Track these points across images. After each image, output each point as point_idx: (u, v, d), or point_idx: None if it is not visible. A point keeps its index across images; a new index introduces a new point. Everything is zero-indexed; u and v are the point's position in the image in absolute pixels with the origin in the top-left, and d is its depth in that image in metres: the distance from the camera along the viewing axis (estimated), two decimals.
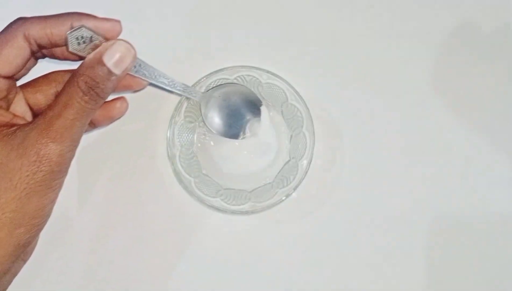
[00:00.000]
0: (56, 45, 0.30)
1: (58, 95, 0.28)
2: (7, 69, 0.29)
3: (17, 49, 0.30)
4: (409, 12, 0.42)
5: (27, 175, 0.26)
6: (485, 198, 0.39)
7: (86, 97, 0.28)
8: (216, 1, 0.42)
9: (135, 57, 0.30)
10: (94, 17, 0.30)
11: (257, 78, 0.37)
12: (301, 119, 0.37)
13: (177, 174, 0.36)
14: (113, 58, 0.28)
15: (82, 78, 0.27)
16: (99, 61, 0.28)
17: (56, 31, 0.29)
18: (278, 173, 0.38)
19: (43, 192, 0.27)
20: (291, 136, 0.38)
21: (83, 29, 0.29)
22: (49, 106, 0.27)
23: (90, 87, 0.28)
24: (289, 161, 0.38)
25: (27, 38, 0.30)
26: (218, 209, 0.36)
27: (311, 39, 0.41)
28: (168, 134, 0.36)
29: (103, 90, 0.28)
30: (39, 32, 0.29)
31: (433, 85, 0.41)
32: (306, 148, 0.36)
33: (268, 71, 0.36)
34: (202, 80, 0.36)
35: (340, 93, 0.40)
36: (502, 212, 0.39)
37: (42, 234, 0.35)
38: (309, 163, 0.36)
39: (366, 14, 0.42)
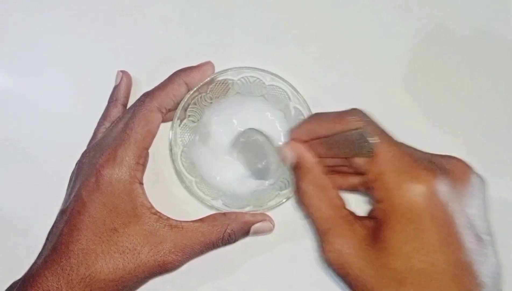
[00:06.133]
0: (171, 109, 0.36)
1: (206, 220, 0.35)
2: (150, 143, 0.35)
3: (157, 123, 0.35)
4: (411, 12, 0.42)
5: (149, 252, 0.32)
6: None
7: (221, 244, 0.34)
8: (220, 1, 0.42)
9: (270, 232, 0.37)
10: (191, 69, 0.36)
11: (261, 80, 0.37)
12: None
13: (178, 173, 0.36)
14: (256, 230, 0.36)
15: (229, 229, 0.34)
16: (247, 228, 0.35)
17: (177, 93, 0.35)
18: (279, 175, 0.38)
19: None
20: None
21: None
22: (198, 225, 0.34)
23: (229, 239, 0.34)
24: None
25: (160, 110, 0.35)
26: (218, 210, 0.36)
27: (315, 41, 0.42)
28: (171, 134, 0.36)
29: (234, 241, 0.35)
30: (166, 100, 0.35)
31: (437, 85, 0.41)
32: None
33: (272, 73, 0.36)
34: (206, 81, 0.36)
35: (343, 95, 0.40)
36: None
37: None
38: None
39: (369, 15, 0.42)
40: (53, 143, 0.40)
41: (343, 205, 0.29)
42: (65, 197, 0.35)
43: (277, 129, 0.38)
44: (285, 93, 0.37)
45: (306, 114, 0.36)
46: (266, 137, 0.35)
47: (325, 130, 0.29)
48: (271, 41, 0.42)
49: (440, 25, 0.42)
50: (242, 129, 0.37)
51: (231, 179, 0.38)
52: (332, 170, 0.31)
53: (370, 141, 0.26)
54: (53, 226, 0.34)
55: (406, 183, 0.25)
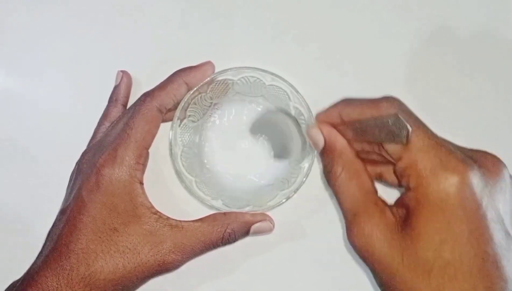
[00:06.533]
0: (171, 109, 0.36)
1: (206, 220, 0.34)
2: (151, 142, 0.35)
3: (157, 122, 0.35)
4: (411, 12, 0.42)
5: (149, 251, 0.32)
6: None
7: (221, 243, 0.34)
8: (220, 1, 0.42)
9: (270, 232, 0.37)
10: (191, 69, 0.36)
11: (261, 80, 0.37)
12: (303, 122, 0.37)
13: (178, 173, 0.36)
14: (256, 230, 0.35)
15: (229, 229, 0.34)
16: (247, 228, 0.35)
17: (178, 93, 0.35)
18: (279, 175, 0.38)
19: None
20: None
21: None
22: (198, 225, 0.34)
23: (229, 239, 0.34)
24: (290, 163, 0.38)
25: (160, 109, 0.35)
26: (218, 210, 0.36)
27: (315, 41, 0.42)
28: (171, 134, 0.36)
29: (234, 240, 0.35)
30: (166, 100, 0.35)
31: (437, 85, 0.41)
32: (307, 151, 0.36)
33: (272, 73, 0.36)
34: (206, 81, 0.36)
35: (343, 95, 0.40)
36: None
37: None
38: (311, 165, 0.36)
39: (369, 15, 0.42)
40: (53, 143, 0.40)
41: (374, 191, 0.29)
42: (65, 197, 0.35)
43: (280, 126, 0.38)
44: (285, 93, 0.37)
45: (306, 114, 0.36)
46: (291, 116, 0.35)
47: (356, 113, 0.29)
48: (271, 41, 0.42)
49: (440, 25, 0.42)
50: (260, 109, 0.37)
51: (232, 176, 0.38)
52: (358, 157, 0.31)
53: (406, 128, 0.25)
54: (53, 226, 0.34)
55: (441, 173, 0.25)
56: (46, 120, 0.41)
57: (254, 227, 0.35)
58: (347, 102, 0.30)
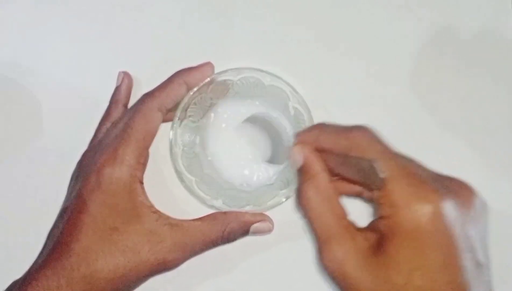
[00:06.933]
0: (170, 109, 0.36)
1: (206, 219, 0.35)
2: (151, 142, 0.35)
3: (157, 122, 0.35)
4: (411, 12, 0.42)
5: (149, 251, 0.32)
6: None
7: (220, 242, 0.34)
8: (220, 1, 0.42)
9: (270, 232, 0.37)
10: (190, 70, 0.36)
11: (261, 80, 0.37)
12: (303, 122, 0.37)
13: (178, 173, 0.36)
14: (255, 230, 0.36)
15: (228, 228, 0.34)
16: (247, 228, 0.35)
17: (178, 93, 0.35)
18: (279, 175, 0.38)
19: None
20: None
21: None
22: (198, 224, 0.34)
23: (228, 238, 0.35)
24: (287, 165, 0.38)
25: (160, 109, 0.35)
26: (218, 209, 0.36)
27: (315, 41, 0.42)
28: (171, 134, 0.36)
29: (233, 239, 0.35)
30: (167, 100, 0.35)
31: (438, 85, 0.41)
32: None
33: (271, 73, 0.36)
34: (206, 81, 0.36)
35: (343, 96, 0.40)
36: None
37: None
38: None
39: (369, 15, 0.42)
40: (54, 143, 0.40)
41: (345, 215, 0.29)
42: (66, 196, 0.36)
43: (277, 129, 0.38)
44: (284, 94, 0.37)
45: (305, 114, 0.36)
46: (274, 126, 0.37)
47: (330, 142, 0.30)
48: (271, 41, 0.42)
49: (440, 25, 0.42)
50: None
51: (232, 176, 0.38)
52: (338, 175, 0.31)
53: (381, 175, 0.26)
54: (53, 225, 0.34)
55: (414, 203, 0.25)
56: (46, 121, 0.41)
57: (253, 227, 0.35)
58: (322, 128, 0.31)
